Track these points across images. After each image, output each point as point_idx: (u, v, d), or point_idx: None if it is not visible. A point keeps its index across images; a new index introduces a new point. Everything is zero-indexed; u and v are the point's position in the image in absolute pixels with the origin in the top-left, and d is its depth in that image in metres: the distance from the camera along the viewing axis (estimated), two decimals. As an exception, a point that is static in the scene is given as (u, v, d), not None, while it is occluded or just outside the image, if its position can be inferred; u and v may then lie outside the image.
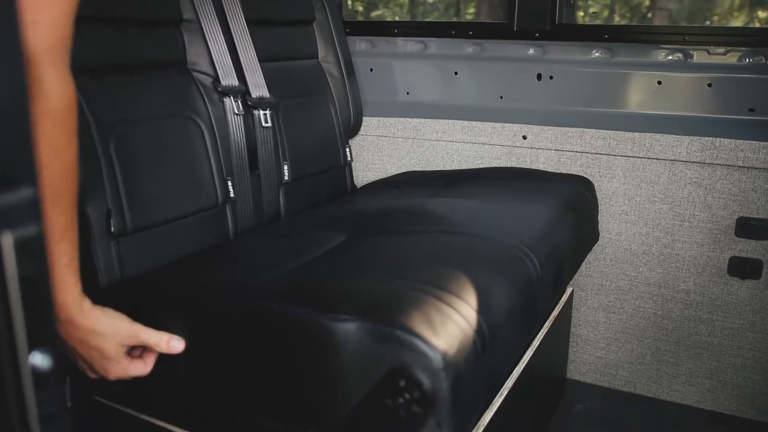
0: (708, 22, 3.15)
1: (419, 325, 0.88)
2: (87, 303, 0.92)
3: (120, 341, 0.95)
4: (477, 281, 1.03)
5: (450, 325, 0.91)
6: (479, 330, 0.95)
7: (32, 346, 0.49)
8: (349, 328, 0.89)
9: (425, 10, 4.28)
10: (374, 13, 3.95)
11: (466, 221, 1.34)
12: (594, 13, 3.59)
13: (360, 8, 3.60)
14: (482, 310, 0.98)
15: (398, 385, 0.87)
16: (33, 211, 0.48)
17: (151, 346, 0.98)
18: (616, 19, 3.81)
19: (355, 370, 0.89)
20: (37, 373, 0.50)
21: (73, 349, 0.95)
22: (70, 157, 0.83)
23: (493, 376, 1.03)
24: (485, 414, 1.20)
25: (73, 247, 0.87)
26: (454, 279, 1.02)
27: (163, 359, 1.05)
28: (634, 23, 3.68)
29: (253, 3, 1.66)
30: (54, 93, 0.78)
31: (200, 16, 1.51)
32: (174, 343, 0.98)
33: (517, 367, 1.36)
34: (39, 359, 0.50)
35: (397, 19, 4.18)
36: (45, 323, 0.49)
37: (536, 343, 1.48)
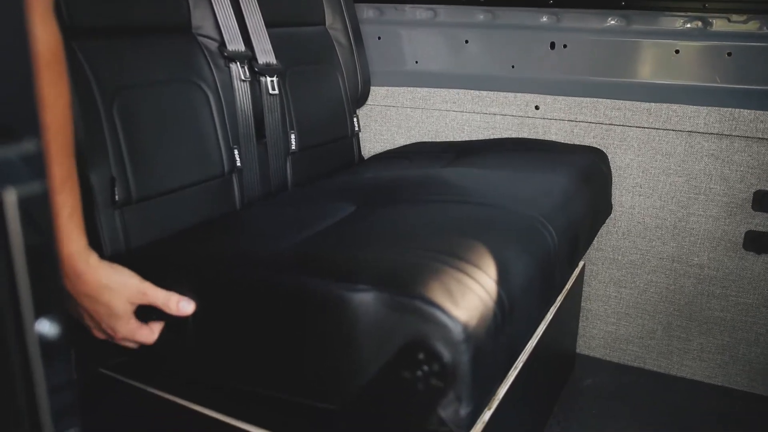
0: None
1: (439, 296, 0.84)
2: (94, 257, 0.89)
3: (128, 298, 0.93)
4: (496, 252, 1.00)
5: (470, 296, 0.88)
6: (499, 301, 0.92)
7: (39, 313, 0.46)
8: (365, 298, 0.85)
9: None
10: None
11: (480, 191, 1.31)
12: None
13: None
14: (502, 281, 0.95)
15: (417, 357, 0.84)
16: (37, 165, 0.44)
17: (160, 306, 0.96)
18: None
19: (371, 342, 0.86)
20: (44, 342, 0.46)
21: (80, 306, 0.93)
22: (61, 105, 0.79)
23: (511, 348, 1.00)
24: (499, 390, 1.17)
25: (74, 198, 0.84)
26: (473, 249, 0.98)
27: (170, 329, 1.02)
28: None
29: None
30: (36, 40, 0.74)
31: (214, 9, 1.46)
32: (183, 305, 0.96)
33: (531, 341, 1.33)
34: (46, 327, 0.47)
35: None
36: (52, 288, 0.46)
37: (549, 317, 1.45)
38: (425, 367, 0.83)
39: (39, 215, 0.44)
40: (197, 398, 1.11)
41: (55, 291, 0.46)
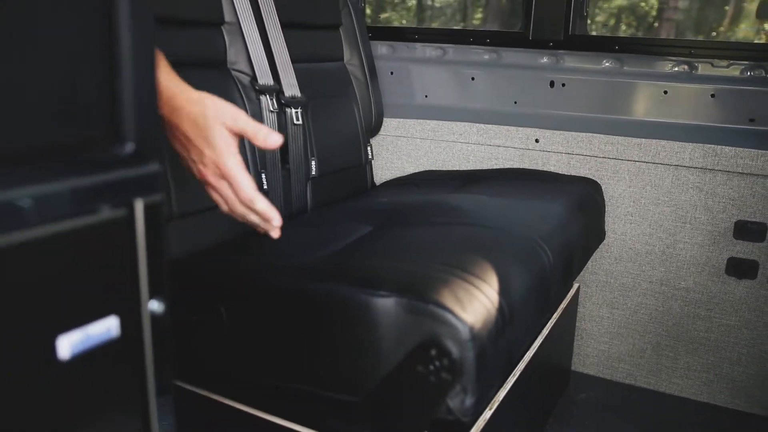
0: (714, 33, 3.26)
1: (449, 301, 0.99)
2: (192, 90, 0.96)
3: (225, 122, 0.97)
4: (498, 267, 1.14)
5: (476, 303, 1.02)
6: (501, 309, 1.06)
7: (152, 294, 0.60)
8: (387, 303, 1.00)
9: (432, 15, 4.38)
10: (382, 16, 4.05)
11: (485, 215, 1.45)
12: (601, 22, 3.70)
13: (368, 11, 3.72)
14: (503, 292, 1.09)
15: (429, 354, 0.98)
16: (158, 182, 0.59)
17: (249, 135, 0.99)
18: (623, 28, 3.92)
19: (391, 341, 1.00)
20: (154, 316, 0.61)
21: (184, 143, 0.98)
22: None
23: (510, 353, 1.14)
24: (499, 392, 1.31)
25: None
26: (478, 264, 1.13)
27: (209, 328, 1.16)
28: (640, 33, 3.80)
29: (287, 8, 1.77)
30: None
31: (240, 19, 1.62)
32: (273, 137, 0.99)
33: (528, 352, 1.47)
34: (156, 305, 0.61)
35: (404, 22, 4.29)
36: (162, 274, 0.61)
37: (545, 332, 1.59)
38: (437, 363, 0.97)
39: (156, 220, 0.59)
40: (231, 394, 1.25)
41: (164, 278, 0.61)
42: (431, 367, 0.98)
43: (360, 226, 1.47)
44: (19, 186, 0.48)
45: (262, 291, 1.15)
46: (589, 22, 2.66)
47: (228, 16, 1.61)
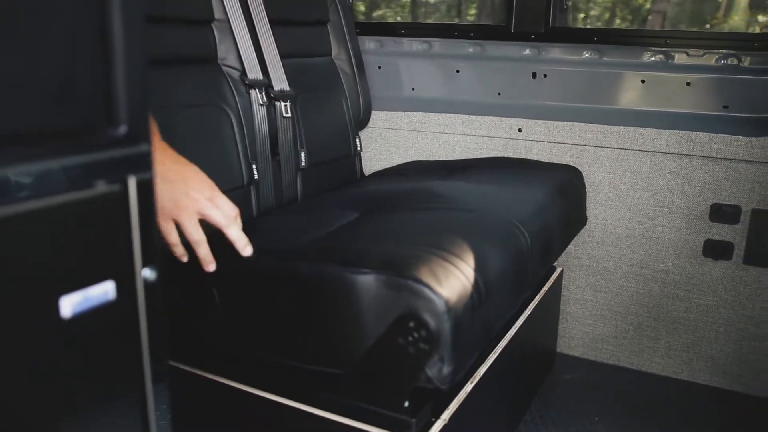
0: (707, 26, 3.32)
1: (427, 277, 1.05)
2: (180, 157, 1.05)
3: (202, 190, 1.06)
4: (475, 247, 1.21)
5: (452, 279, 1.08)
6: (476, 285, 1.12)
7: (144, 263, 0.67)
8: (368, 279, 1.06)
9: (427, 11, 4.43)
10: (376, 13, 4.10)
11: (467, 201, 1.52)
12: (595, 16, 3.75)
13: (362, 8, 3.77)
14: (479, 269, 1.15)
15: (408, 326, 1.04)
16: (149, 161, 0.66)
17: (213, 220, 1.09)
18: (617, 22, 3.97)
19: (373, 315, 1.07)
20: (147, 282, 0.67)
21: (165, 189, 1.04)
22: None
23: (487, 327, 1.20)
24: (480, 368, 1.37)
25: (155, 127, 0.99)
26: (457, 244, 1.19)
27: (203, 308, 1.22)
28: (635, 26, 3.85)
29: (275, 4, 1.84)
30: None
31: (229, 16, 1.69)
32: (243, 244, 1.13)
33: (509, 331, 1.53)
34: (148, 273, 0.67)
35: (399, 18, 4.34)
36: (153, 245, 0.67)
37: (527, 312, 1.65)
38: (415, 334, 1.04)
39: (148, 195, 0.65)
40: (222, 372, 1.31)
41: (155, 249, 0.67)
42: (410, 339, 1.04)
43: (347, 213, 1.53)
44: (24, 163, 0.54)
45: (252, 272, 1.21)
46: (583, 16, 2.72)
47: (218, 14, 1.67)
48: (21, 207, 0.54)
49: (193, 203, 1.07)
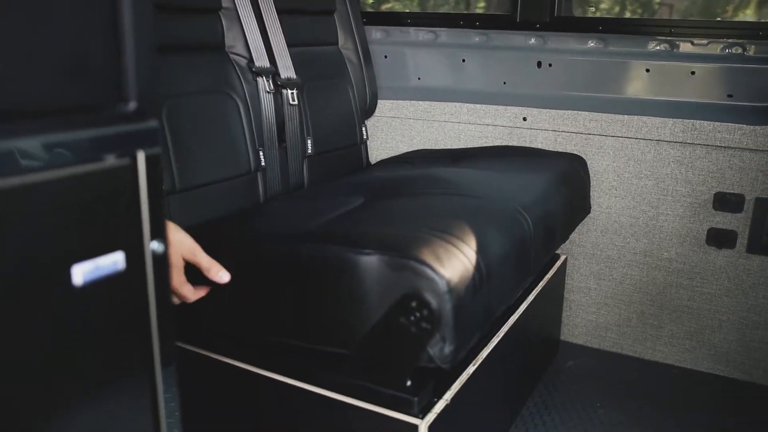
0: (718, 19, 3.30)
1: (429, 258, 1.07)
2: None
3: (183, 253, 1.11)
4: (478, 231, 1.23)
5: (454, 260, 1.10)
6: (478, 267, 1.14)
7: (153, 236, 0.69)
8: (371, 260, 1.09)
9: (436, 3, 4.43)
10: (385, 6, 4.10)
11: (470, 186, 1.53)
12: (605, 9, 3.74)
13: (371, 0, 3.78)
14: (481, 252, 1.17)
15: (410, 305, 1.06)
16: (157, 136, 0.68)
17: (203, 269, 1.15)
18: (627, 14, 3.96)
19: (375, 295, 1.09)
20: (155, 254, 0.70)
21: None
22: None
23: (488, 310, 1.22)
24: (483, 351, 1.39)
25: None
26: (459, 227, 1.21)
27: (210, 292, 1.24)
28: (644, 16, 3.84)
29: (281, -7, 1.86)
30: None
31: (237, 5, 1.71)
32: (222, 274, 1.17)
33: (513, 316, 1.55)
34: (156, 245, 0.70)
35: (408, 11, 4.35)
36: (161, 218, 0.69)
37: (531, 298, 1.67)
38: (417, 314, 1.06)
39: (156, 169, 0.68)
40: (228, 353, 1.34)
41: (162, 221, 0.69)
42: (412, 318, 1.06)
43: (352, 199, 1.55)
44: (38, 136, 0.57)
45: (258, 255, 1.24)
46: (593, 9, 2.73)
47: (225, 2, 1.69)
48: (34, 178, 0.56)
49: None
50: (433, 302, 1.05)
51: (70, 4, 0.59)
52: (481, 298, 1.16)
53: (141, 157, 0.66)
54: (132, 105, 0.65)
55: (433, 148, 2.22)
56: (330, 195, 1.61)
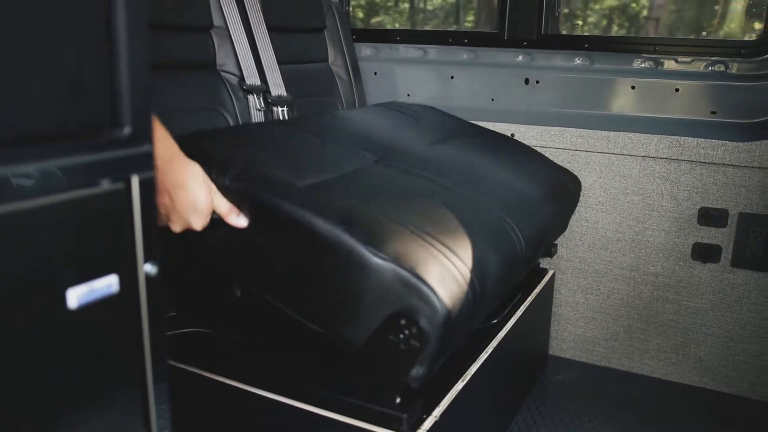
0: (704, 33, 3.36)
1: (437, 284, 1.07)
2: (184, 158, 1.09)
3: (207, 192, 1.10)
4: (482, 253, 1.22)
5: (457, 289, 1.11)
6: (474, 293, 1.15)
7: (146, 259, 0.70)
8: (384, 266, 1.08)
9: (425, 17, 4.47)
10: (374, 20, 4.13)
11: (478, 185, 1.51)
12: (593, 23, 3.79)
13: (361, 14, 3.80)
14: (479, 277, 1.18)
15: (400, 323, 1.07)
16: (151, 161, 0.69)
17: (222, 214, 1.16)
18: (614, 29, 4.00)
19: (374, 295, 1.07)
20: (148, 277, 0.71)
21: (168, 200, 1.08)
22: None
23: (467, 331, 1.23)
24: (471, 366, 1.41)
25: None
26: (463, 245, 1.19)
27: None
28: (632, 33, 3.89)
29: (273, 12, 1.88)
30: None
31: (228, 23, 1.72)
32: (240, 220, 1.17)
33: (501, 331, 1.57)
34: (149, 267, 0.71)
35: (397, 25, 4.38)
36: (154, 241, 0.70)
37: (519, 313, 1.68)
38: (406, 331, 1.07)
39: (150, 193, 0.69)
40: (218, 370, 1.34)
41: (156, 244, 0.71)
42: (401, 336, 1.08)
43: (363, 153, 1.51)
44: (34, 162, 0.58)
45: (269, 211, 1.20)
46: (580, 23, 2.76)
47: (216, 21, 1.71)
48: (31, 203, 0.57)
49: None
50: (426, 327, 1.06)
51: (65, 31, 0.61)
52: (467, 324, 1.17)
53: (135, 181, 0.67)
54: (127, 130, 0.66)
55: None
56: (339, 138, 1.56)
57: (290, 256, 1.19)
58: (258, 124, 1.63)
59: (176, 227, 1.13)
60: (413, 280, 1.08)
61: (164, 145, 1.05)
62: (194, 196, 1.09)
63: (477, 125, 2.05)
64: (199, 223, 1.12)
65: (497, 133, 2.03)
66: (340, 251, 1.12)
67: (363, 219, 1.17)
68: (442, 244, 1.18)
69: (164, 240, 0.76)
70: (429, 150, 1.65)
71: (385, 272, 1.08)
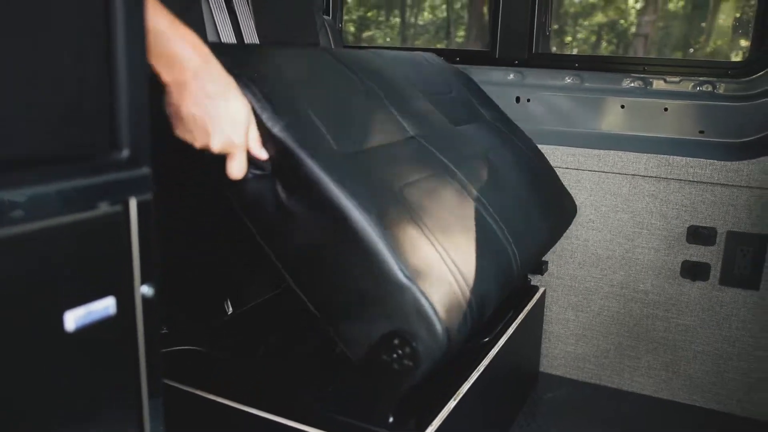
0: (691, 50, 3.41)
1: (446, 316, 1.07)
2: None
3: (245, 103, 1.06)
4: (487, 283, 1.22)
5: (461, 318, 1.11)
6: (473, 320, 1.16)
7: (143, 280, 0.70)
8: (401, 282, 1.07)
9: (416, 32, 4.50)
10: (366, 34, 4.15)
11: (489, 182, 1.51)
12: (582, 39, 3.83)
13: (352, 29, 3.82)
14: (480, 306, 1.18)
15: (393, 343, 1.08)
16: (149, 184, 0.69)
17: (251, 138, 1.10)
18: (603, 45, 4.05)
19: (379, 303, 1.07)
20: (145, 298, 0.71)
21: (204, 114, 1.01)
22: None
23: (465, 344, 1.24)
24: (463, 385, 1.41)
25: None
26: (474, 274, 1.19)
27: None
28: (620, 50, 3.93)
29: (266, 28, 1.88)
30: None
31: (222, 39, 1.73)
32: (262, 152, 1.11)
33: (492, 350, 1.57)
34: (146, 289, 0.71)
35: (388, 39, 4.41)
36: (151, 264, 0.70)
37: (510, 331, 1.69)
38: (399, 351, 1.07)
39: (147, 216, 0.69)
40: (214, 390, 1.33)
41: (153, 266, 0.70)
42: (394, 355, 1.08)
43: (401, 124, 1.48)
44: (32, 186, 0.58)
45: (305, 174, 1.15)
46: (570, 39, 2.79)
47: (210, 36, 1.71)
48: (28, 227, 0.57)
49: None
50: (421, 350, 1.06)
51: (64, 53, 0.61)
52: (461, 346, 1.17)
53: (133, 203, 0.67)
54: (125, 152, 0.66)
55: None
56: (381, 91, 1.51)
57: (314, 228, 1.14)
58: (300, 51, 1.54)
59: (215, 143, 1.04)
60: (430, 313, 1.07)
61: (198, 50, 0.99)
62: (235, 107, 1.04)
63: (493, 101, 2.02)
64: (240, 136, 1.06)
65: (512, 122, 2.00)
66: (368, 250, 1.10)
67: (395, 221, 1.15)
68: (456, 267, 1.18)
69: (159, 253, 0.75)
70: (454, 131, 1.62)
71: (405, 293, 1.08)
